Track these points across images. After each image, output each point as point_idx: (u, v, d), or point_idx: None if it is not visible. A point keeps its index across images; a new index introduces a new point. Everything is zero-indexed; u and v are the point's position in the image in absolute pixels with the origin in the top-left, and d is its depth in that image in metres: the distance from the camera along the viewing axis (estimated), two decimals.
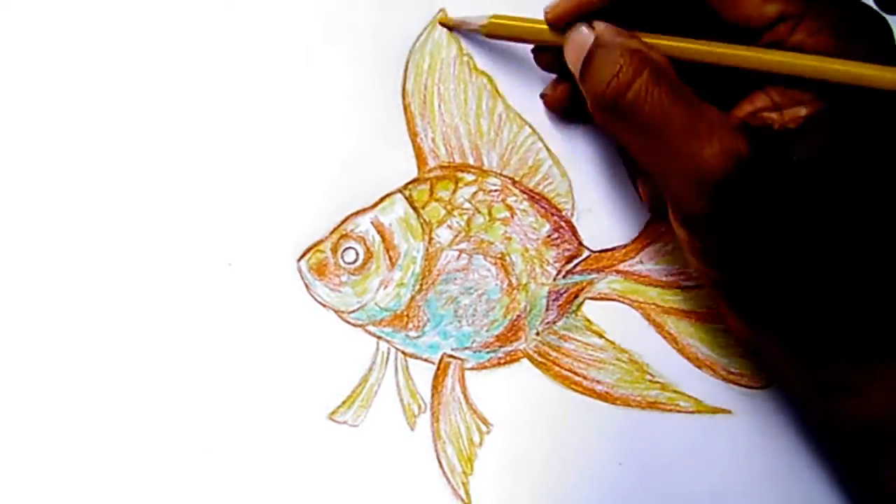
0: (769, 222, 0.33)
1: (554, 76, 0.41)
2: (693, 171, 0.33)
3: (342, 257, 0.41)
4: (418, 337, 0.41)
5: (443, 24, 0.42)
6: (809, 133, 0.33)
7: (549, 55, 0.40)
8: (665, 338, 0.41)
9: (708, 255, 0.35)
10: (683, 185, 0.33)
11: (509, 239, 0.42)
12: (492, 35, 0.40)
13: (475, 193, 0.42)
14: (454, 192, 0.41)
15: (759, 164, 0.32)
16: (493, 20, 0.40)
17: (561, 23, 0.37)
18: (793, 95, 0.34)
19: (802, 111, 0.33)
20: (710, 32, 0.35)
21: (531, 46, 0.40)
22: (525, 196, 0.42)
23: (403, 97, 0.42)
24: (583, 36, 0.36)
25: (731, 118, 0.33)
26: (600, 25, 0.36)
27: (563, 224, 0.42)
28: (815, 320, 0.34)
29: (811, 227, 0.33)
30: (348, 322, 0.41)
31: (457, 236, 0.41)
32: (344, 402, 0.40)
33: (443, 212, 0.41)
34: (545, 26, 0.38)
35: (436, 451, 0.40)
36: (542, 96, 0.42)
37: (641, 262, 0.42)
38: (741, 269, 0.34)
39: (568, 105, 0.41)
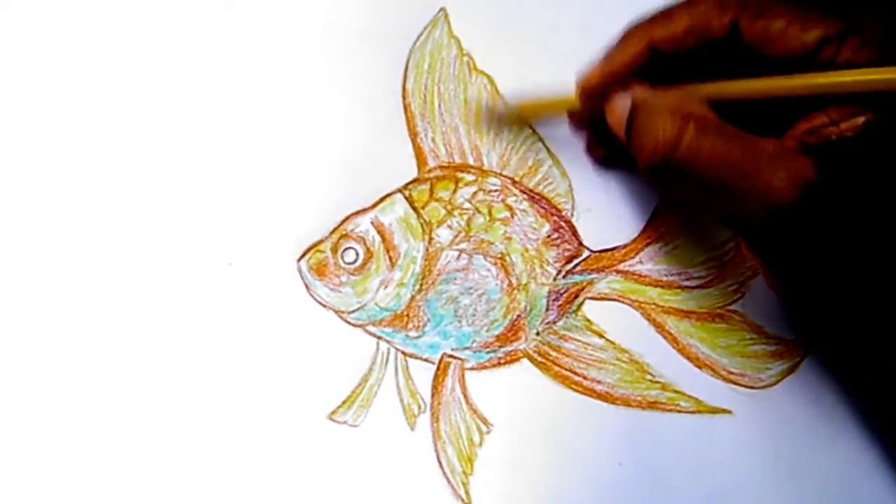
0: (844, 231, 0.33)
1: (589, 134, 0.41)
2: (762, 206, 0.33)
3: (342, 257, 0.41)
4: (418, 337, 0.41)
5: (476, 111, 0.42)
6: (871, 135, 0.33)
7: (579, 116, 0.40)
8: (665, 338, 0.41)
9: (784, 273, 0.35)
10: (755, 220, 0.33)
11: (509, 239, 0.42)
12: (529, 118, 0.41)
13: (475, 193, 0.42)
14: (454, 192, 0.41)
15: (826, 180, 0.32)
16: (525, 105, 0.40)
17: (595, 93, 0.37)
18: (849, 109, 0.34)
19: (860, 120, 0.33)
20: (755, 69, 0.35)
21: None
22: (525, 196, 0.42)
23: (403, 97, 0.42)
24: (621, 104, 0.36)
25: (789, 142, 0.33)
26: (636, 90, 0.36)
27: (563, 224, 0.42)
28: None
29: (886, 227, 0.33)
30: (348, 322, 0.41)
31: (457, 236, 0.41)
32: (344, 402, 0.40)
33: (443, 212, 0.41)
34: (575, 98, 0.38)
35: (436, 451, 0.40)
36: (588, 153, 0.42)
37: (641, 262, 0.42)
38: (818, 282, 0.35)
39: (611, 158, 0.41)
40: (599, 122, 0.37)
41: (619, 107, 0.36)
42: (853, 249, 0.33)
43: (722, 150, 0.33)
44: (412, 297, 0.41)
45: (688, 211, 0.41)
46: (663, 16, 0.36)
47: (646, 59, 0.36)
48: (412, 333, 0.41)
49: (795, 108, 0.35)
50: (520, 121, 0.40)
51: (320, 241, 0.41)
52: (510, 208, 0.42)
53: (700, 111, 0.34)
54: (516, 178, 0.42)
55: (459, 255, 0.41)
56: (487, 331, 0.41)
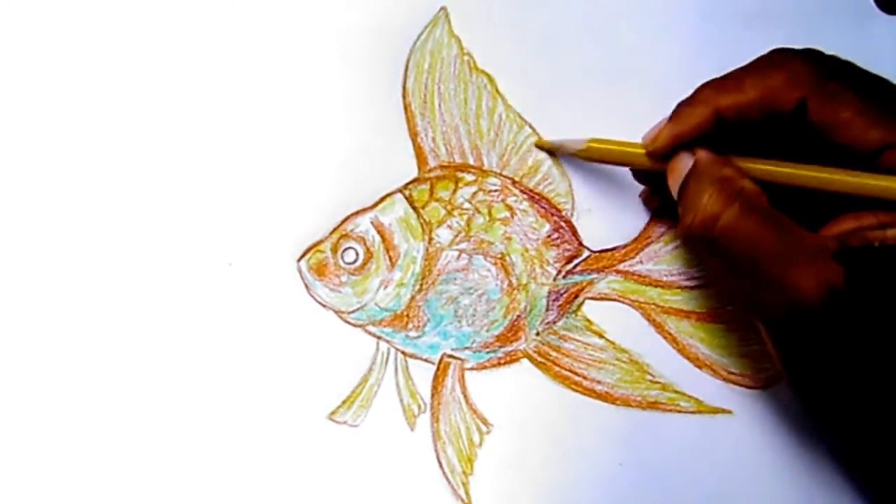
0: (862, 340, 0.33)
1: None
2: (786, 300, 0.33)
3: (342, 257, 0.41)
4: (418, 337, 0.41)
5: (539, 147, 0.41)
6: None
7: (652, 176, 0.39)
8: (665, 338, 0.41)
9: (796, 369, 0.35)
10: (776, 312, 0.33)
11: (509, 239, 0.41)
12: (590, 158, 0.40)
13: (475, 193, 0.41)
14: (454, 192, 0.41)
15: (854, 290, 0.32)
16: (591, 144, 0.39)
17: (660, 153, 0.37)
18: None
19: None
20: (817, 154, 0.35)
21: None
22: (525, 196, 0.42)
23: (404, 96, 0.42)
24: (681, 165, 0.36)
25: (828, 242, 0.33)
26: (700, 153, 0.36)
27: (563, 224, 0.42)
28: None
29: None
30: (348, 322, 0.41)
31: (457, 236, 0.41)
32: (344, 402, 0.40)
33: (443, 212, 0.41)
34: (638, 152, 0.38)
35: (436, 451, 0.40)
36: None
37: (641, 262, 0.42)
38: (827, 382, 0.35)
39: (664, 210, 0.41)
40: (660, 175, 0.37)
41: (679, 168, 0.36)
42: (871, 357, 0.33)
43: (759, 235, 0.33)
44: (412, 298, 0.41)
45: (714, 284, 0.41)
46: (734, 82, 0.35)
47: (712, 126, 0.36)
48: (412, 333, 0.41)
49: (847, 199, 0.35)
50: (583, 155, 0.40)
51: (320, 241, 0.41)
52: (510, 208, 0.42)
53: (751, 189, 0.34)
54: (516, 178, 0.42)
55: (459, 255, 0.41)
56: (487, 331, 0.41)
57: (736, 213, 0.33)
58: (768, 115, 0.35)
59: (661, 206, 0.41)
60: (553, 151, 0.42)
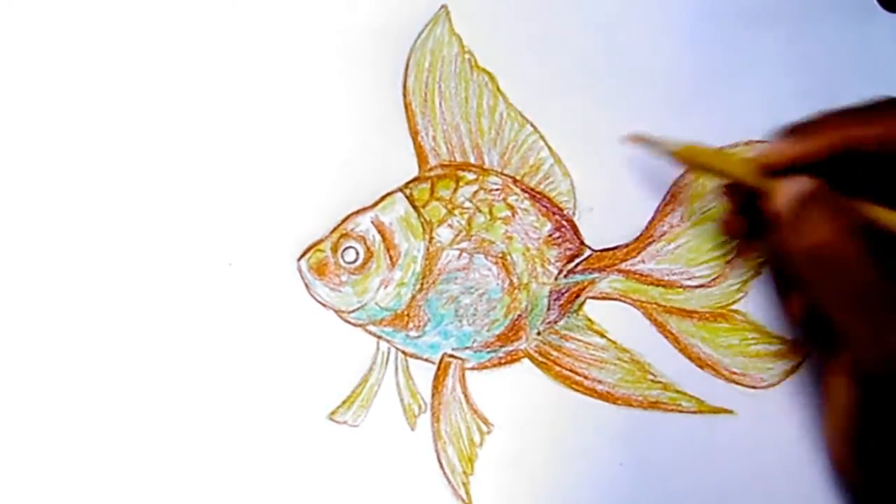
0: None
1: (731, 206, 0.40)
2: (882, 347, 0.32)
3: (342, 257, 0.41)
4: (419, 337, 0.41)
5: (632, 141, 0.39)
6: None
7: (741, 194, 0.39)
8: (667, 337, 0.41)
9: (867, 411, 0.35)
10: (869, 354, 0.33)
11: (510, 238, 0.41)
12: (683, 162, 0.39)
13: (476, 192, 0.41)
14: (455, 191, 0.41)
15: None
16: (689, 147, 0.38)
17: (772, 169, 0.36)
18: None
19: None
20: None
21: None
22: (526, 195, 0.42)
23: (404, 95, 0.42)
24: (798, 186, 0.35)
25: None
26: (819, 181, 0.35)
27: (564, 223, 0.42)
28: None
29: None
30: (348, 322, 0.41)
31: (457, 235, 0.41)
32: (344, 402, 0.40)
33: (443, 211, 0.41)
34: (739, 163, 0.37)
35: (436, 451, 0.40)
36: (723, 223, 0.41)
37: (643, 262, 0.42)
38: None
39: (741, 231, 0.40)
40: (750, 194, 0.37)
41: (793, 190, 0.35)
42: None
43: (873, 274, 0.32)
44: (413, 297, 0.41)
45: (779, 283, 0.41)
46: (859, 116, 0.35)
47: (837, 153, 0.35)
48: (413, 333, 0.41)
49: None
50: (678, 157, 0.38)
51: (320, 241, 0.41)
52: (511, 207, 0.41)
53: (869, 228, 0.34)
54: (517, 177, 0.42)
55: (460, 255, 0.41)
56: (488, 330, 0.41)
57: (858, 249, 0.33)
58: (887, 152, 0.34)
59: (745, 230, 0.40)
60: (646, 146, 0.39)
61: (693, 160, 0.38)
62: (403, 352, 0.41)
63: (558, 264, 0.41)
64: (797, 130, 0.36)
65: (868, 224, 0.34)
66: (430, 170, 0.41)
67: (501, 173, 0.42)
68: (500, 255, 0.41)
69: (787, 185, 0.35)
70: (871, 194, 0.35)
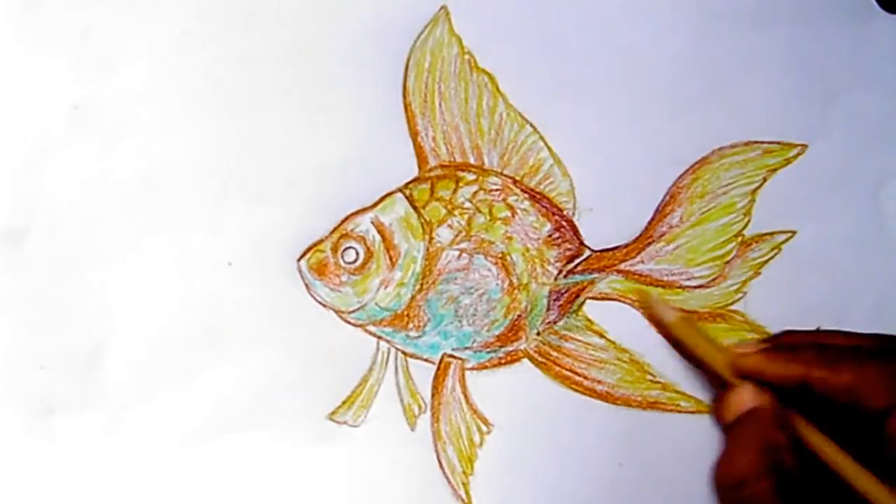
0: None
1: None
2: None
3: (342, 257, 0.41)
4: (419, 337, 0.41)
5: (641, 303, 0.41)
6: None
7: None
8: (666, 338, 0.41)
9: None
10: None
11: (510, 238, 0.41)
12: (676, 335, 0.40)
13: (476, 193, 0.41)
14: (455, 191, 0.41)
15: None
16: (680, 321, 0.40)
17: (743, 374, 0.38)
18: None
19: None
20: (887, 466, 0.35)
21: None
22: (526, 195, 0.42)
23: (404, 95, 0.42)
24: (743, 399, 0.37)
25: None
26: (764, 400, 0.36)
27: (564, 223, 0.42)
28: None
29: None
30: (348, 322, 0.41)
31: (457, 236, 0.41)
32: (344, 402, 0.40)
33: (443, 211, 0.41)
34: (718, 354, 0.38)
35: (436, 451, 0.40)
36: None
37: (643, 262, 0.42)
38: None
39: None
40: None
41: (736, 403, 0.37)
42: None
43: None
44: (412, 297, 0.41)
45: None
46: (830, 360, 0.36)
47: (795, 388, 0.36)
48: (412, 333, 0.41)
49: None
50: (671, 329, 0.40)
51: (320, 241, 0.41)
52: (511, 207, 0.41)
53: (790, 466, 0.35)
54: (517, 178, 0.42)
55: (460, 255, 0.41)
56: (488, 331, 0.41)
57: (765, 490, 0.34)
58: (847, 403, 0.35)
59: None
60: (647, 306, 0.41)
61: (682, 334, 0.40)
62: (403, 352, 0.41)
63: (558, 265, 0.42)
64: (782, 346, 0.38)
65: (794, 450, 0.36)
66: (430, 170, 0.41)
67: (501, 174, 0.42)
68: (500, 255, 0.41)
69: (731, 398, 0.37)
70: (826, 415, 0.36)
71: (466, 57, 0.42)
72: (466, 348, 0.41)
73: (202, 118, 0.41)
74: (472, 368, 0.41)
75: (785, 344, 0.39)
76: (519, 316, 0.41)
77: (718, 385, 0.39)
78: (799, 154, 0.42)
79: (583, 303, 0.41)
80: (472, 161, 0.42)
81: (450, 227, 0.41)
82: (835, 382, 0.35)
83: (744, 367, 0.37)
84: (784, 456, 0.35)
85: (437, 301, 0.41)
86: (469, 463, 0.40)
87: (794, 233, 0.42)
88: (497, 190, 0.42)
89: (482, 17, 0.42)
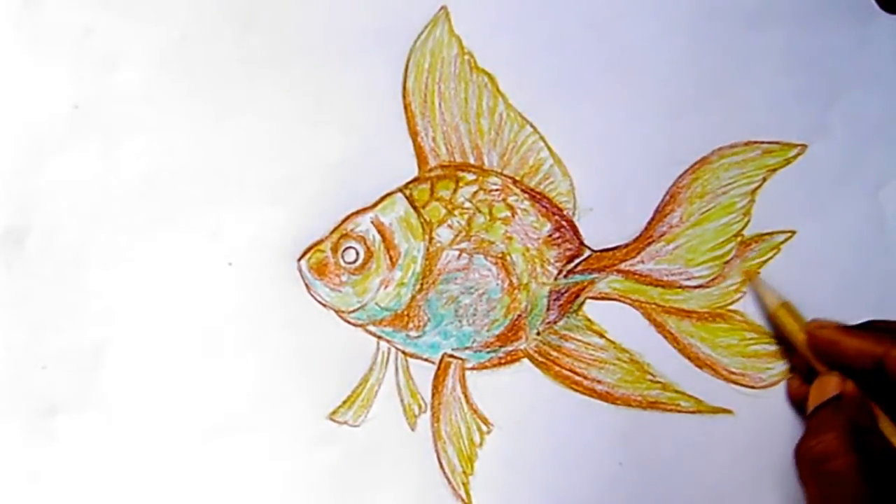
0: None
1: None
2: None
3: (342, 257, 0.41)
4: (419, 337, 0.41)
5: (750, 280, 0.41)
6: None
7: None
8: (666, 337, 0.41)
9: None
10: None
11: (510, 238, 0.41)
12: (773, 320, 0.41)
13: (476, 193, 0.41)
14: (455, 191, 0.41)
15: None
16: (784, 305, 0.40)
17: (826, 358, 0.38)
18: None
19: None
20: None
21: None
22: (526, 195, 0.42)
23: (404, 96, 0.42)
24: (830, 386, 0.37)
25: None
26: (850, 387, 0.37)
27: (564, 223, 0.42)
28: None
29: None
30: (348, 322, 0.41)
31: (457, 236, 0.41)
32: (344, 402, 0.40)
33: (443, 211, 0.41)
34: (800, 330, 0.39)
35: (436, 450, 0.40)
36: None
37: (643, 262, 0.42)
38: None
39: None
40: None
41: (825, 389, 0.38)
42: None
43: (859, 491, 0.34)
44: (413, 297, 0.41)
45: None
46: None
47: (871, 370, 0.37)
48: (413, 333, 0.41)
49: None
50: (773, 317, 0.41)
51: (320, 241, 0.41)
52: (511, 208, 0.41)
53: (877, 444, 0.36)
54: (517, 178, 0.42)
55: (460, 255, 0.41)
56: (488, 330, 0.41)
57: (850, 465, 0.35)
58: None
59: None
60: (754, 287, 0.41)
61: (780, 321, 0.40)
62: (403, 352, 0.41)
63: (558, 264, 0.42)
64: (863, 326, 0.39)
65: (877, 434, 0.36)
66: (430, 170, 0.41)
67: (501, 174, 0.42)
68: (500, 255, 0.41)
69: (818, 385, 0.38)
70: None
71: (466, 57, 0.42)
72: (466, 348, 0.41)
73: (202, 118, 0.41)
74: (473, 368, 0.41)
75: (864, 325, 0.39)
76: (519, 316, 0.41)
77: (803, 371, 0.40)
78: (799, 154, 0.42)
79: (583, 303, 0.41)
80: (472, 161, 0.42)
81: (450, 227, 0.41)
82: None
83: (821, 337, 0.38)
84: (869, 437, 0.36)
85: (438, 301, 0.41)
86: (469, 463, 0.40)
87: (793, 233, 0.42)
88: (497, 190, 0.42)
89: (482, 17, 0.42)
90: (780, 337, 0.41)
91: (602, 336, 0.41)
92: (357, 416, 0.40)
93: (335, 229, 0.41)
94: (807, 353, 0.39)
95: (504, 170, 0.42)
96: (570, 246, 0.42)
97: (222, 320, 0.40)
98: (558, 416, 0.40)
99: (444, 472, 0.40)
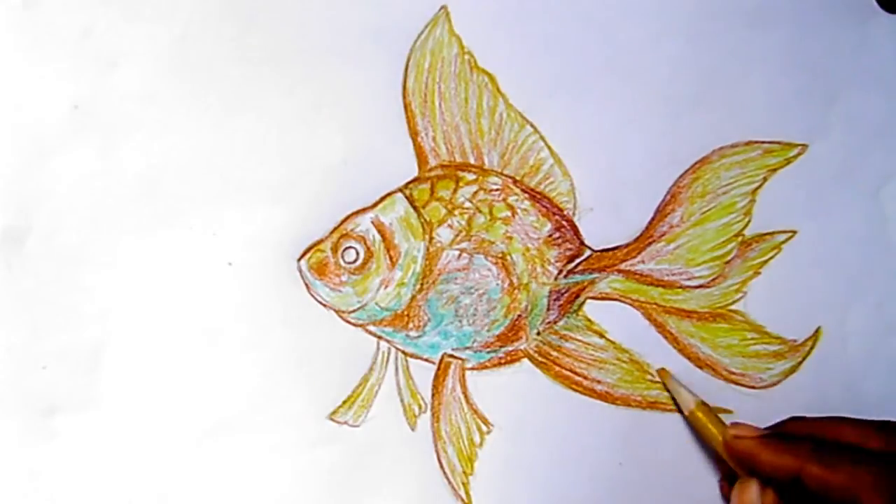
0: None
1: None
2: None
3: (342, 257, 0.41)
4: (419, 337, 0.41)
5: (661, 376, 0.41)
6: None
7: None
8: (666, 338, 0.41)
9: None
10: None
11: (510, 238, 0.41)
12: (691, 421, 0.40)
13: (476, 193, 0.41)
14: (455, 191, 0.41)
15: None
16: (698, 408, 0.39)
17: (733, 455, 0.38)
18: None
19: None
20: None
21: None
22: (526, 195, 0.42)
23: (404, 96, 0.42)
24: (748, 493, 0.37)
25: None
26: (766, 498, 0.36)
27: (564, 223, 0.42)
28: None
29: None
30: (349, 322, 0.41)
31: (457, 236, 0.41)
32: (344, 402, 0.40)
33: (443, 211, 0.41)
34: (724, 444, 0.38)
35: (436, 451, 0.40)
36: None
37: (643, 262, 0.42)
38: None
39: None
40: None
41: (745, 494, 0.37)
42: None
43: None
44: (413, 297, 0.41)
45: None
46: (825, 456, 0.35)
47: (789, 481, 0.36)
48: (413, 333, 0.41)
49: None
50: (689, 418, 0.40)
51: (320, 241, 0.41)
52: (511, 207, 0.41)
53: None
54: (517, 178, 0.42)
55: (460, 255, 0.41)
56: (488, 330, 0.41)
57: None
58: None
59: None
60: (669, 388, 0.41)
61: (696, 423, 0.40)
62: (403, 352, 0.41)
63: (558, 264, 0.41)
64: (780, 435, 0.37)
65: None
66: (430, 170, 0.41)
67: (501, 173, 0.42)
68: (500, 255, 0.41)
69: (738, 490, 0.37)
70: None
71: (466, 57, 0.42)
72: (466, 348, 0.41)
73: (202, 118, 0.41)
74: (473, 368, 0.41)
75: (784, 433, 0.38)
76: (519, 316, 0.41)
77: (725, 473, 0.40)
78: (799, 154, 0.42)
79: (583, 303, 0.41)
80: (472, 161, 0.42)
81: (450, 226, 0.41)
82: (829, 481, 0.35)
83: (738, 449, 0.37)
84: None
85: (438, 301, 0.41)
86: (469, 463, 0.40)
87: (794, 232, 0.42)
88: (497, 190, 0.42)
89: (482, 17, 0.42)
90: (698, 436, 0.40)
91: (602, 336, 0.41)
92: (357, 416, 0.40)
93: (335, 229, 0.41)
94: (725, 456, 0.38)
95: (504, 170, 0.42)
96: (570, 246, 0.42)
97: (222, 320, 0.40)
98: (558, 417, 0.41)
99: (444, 472, 0.40)
